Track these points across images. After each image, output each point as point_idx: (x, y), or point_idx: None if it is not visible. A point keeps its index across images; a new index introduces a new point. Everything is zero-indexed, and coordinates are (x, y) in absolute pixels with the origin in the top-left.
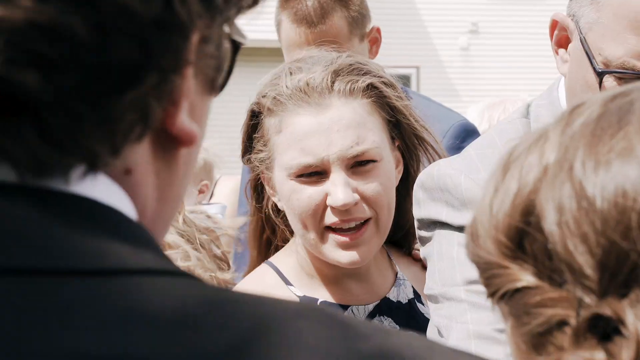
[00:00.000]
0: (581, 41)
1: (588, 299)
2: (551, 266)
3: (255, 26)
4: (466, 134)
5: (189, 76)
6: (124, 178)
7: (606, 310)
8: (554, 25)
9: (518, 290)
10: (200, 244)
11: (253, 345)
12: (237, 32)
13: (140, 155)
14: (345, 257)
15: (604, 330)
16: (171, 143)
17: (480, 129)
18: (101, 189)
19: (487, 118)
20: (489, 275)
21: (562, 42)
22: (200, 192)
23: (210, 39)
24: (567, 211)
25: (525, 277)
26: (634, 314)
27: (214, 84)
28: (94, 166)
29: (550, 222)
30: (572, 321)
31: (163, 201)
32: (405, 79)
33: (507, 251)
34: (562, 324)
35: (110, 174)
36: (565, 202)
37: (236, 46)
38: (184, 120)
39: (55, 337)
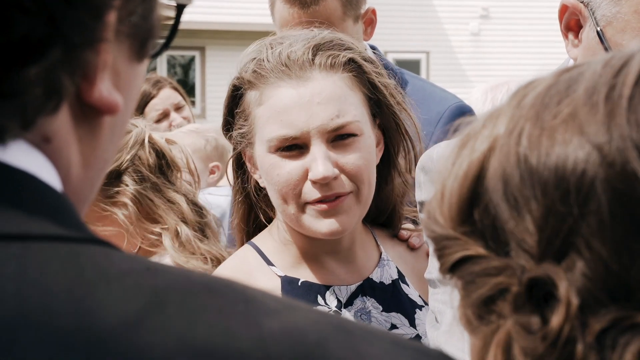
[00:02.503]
0: (598, 33)
1: (527, 265)
2: (497, 236)
3: (265, 10)
4: (462, 115)
5: (106, 51)
6: (44, 145)
7: (541, 274)
8: (564, 9)
9: (466, 260)
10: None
11: (149, 318)
12: None
13: (60, 124)
14: (324, 226)
15: (540, 295)
16: (93, 112)
17: (482, 110)
18: (16, 154)
19: (491, 99)
20: (441, 247)
21: (571, 26)
22: (211, 172)
23: (134, 13)
24: (511, 180)
25: (473, 247)
26: (567, 278)
27: (143, 52)
28: (3, 137)
29: (496, 192)
30: (514, 289)
31: (88, 166)
32: (415, 64)
33: (458, 223)
34: (504, 291)
35: (29, 141)
36: (510, 171)
37: (179, 9)
38: (102, 91)
39: None
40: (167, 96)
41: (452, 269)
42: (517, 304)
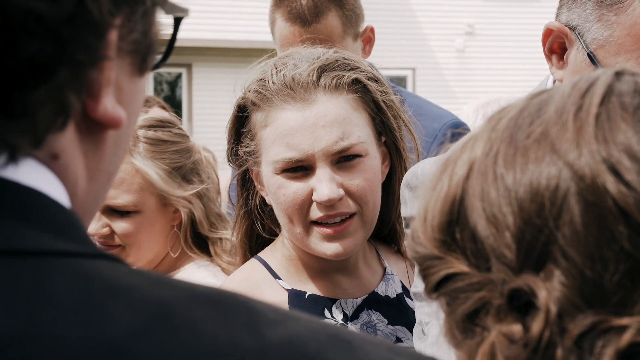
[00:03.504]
0: (589, 56)
1: (507, 278)
2: (478, 253)
3: (253, 27)
4: (458, 133)
5: (109, 68)
6: (52, 162)
7: (521, 284)
8: (549, 33)
9: (450, 278)
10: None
11: (155, 330)
12: (173, 9)
13: (66, 140)
14: (330, 249)
15: (521, 305)
16: (97, 127)
17: (474, 127)
18: (26, 172)
19: (482, 116)
20: (425, 267)
21: (554, 49)
22: None
23: (134, 30)
24: (489, 198)
25: (456, 265)
26: (545, 287)
27: (144, 67)
28: (14, 156)
29: (475, 211)
30: (496, 301)
31: (93, 179)
32: (401, 81)
33: (440, 243)
34: (487, 305)
35: (38, 159)
36: (488, 190)
37: (177, 22)
38: (107, 107)
39: None
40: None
41: (437, 287)
42: (500, 315)
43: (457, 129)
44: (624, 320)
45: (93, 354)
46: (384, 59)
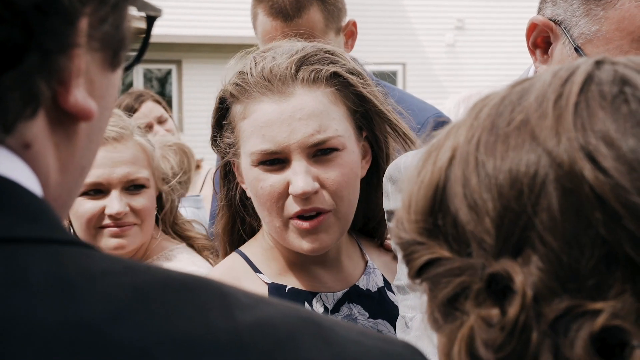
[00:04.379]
0: (577, 50)
1: (487, 263)
2: (459, 238)
3: (242, 23)
4: (441, 127)
5: (79, 57)
6: (24, 152)
7: (499, 269)
8: (533, 27)
9: (432, 263)
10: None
11: (131, 313)
12: (145, 7)
13: (38, 130)
14: (306, 244)
15: (499, 290)
16: (68, 118)
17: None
18: None
19: (463, 109)
20: (408, 252)
21: (538, 43)
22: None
23: (105, 21)
24: (470, 184)
25: (438, 250)
26: (522, 272)
27: (116, 61)
28: None
29: (457, 197)
30: (475, 286)
31: (65, 171)
32: (392, 76)
33: (423, 229)
34: (467, 289)
35: (10, 148)
36: (469, 176)
37: (150, 21)
38: (77, 97)
39: None
40: (150, 109)
41: (419, 272)
42: (479, 299)
43: (439, 123)
44: (598, 305)
45: (68, 337)
46: (374, 54)
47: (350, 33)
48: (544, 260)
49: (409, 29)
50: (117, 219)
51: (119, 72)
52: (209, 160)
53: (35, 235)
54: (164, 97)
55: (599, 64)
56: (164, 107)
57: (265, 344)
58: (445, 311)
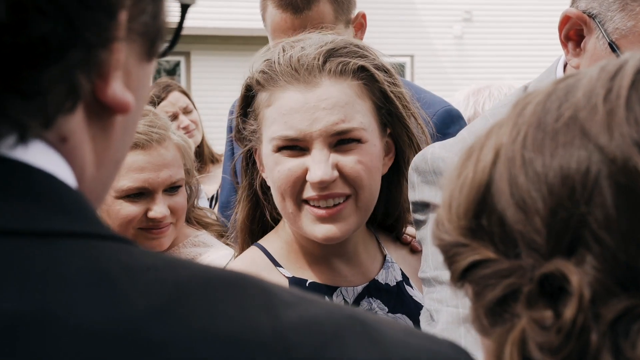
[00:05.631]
0: (610, 45)
1: (538, 263)
2: (506, 239)
3: (251, 15)
4: (451, 120)
5: (119, 50)
6: (61, 145)
7: (552, 269)
8: (566, 19)
9: (477, 265)
10: None
11: (172, 311)
12: None
13: (75, 123)
14: (321, 230)
15: (552, 291)
16: (105, 111)
17: (465, 115)
18: (36, 154)
19: (473, 103)
20: (451, 255)
21: (570, 36)
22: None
23: (144, 12)
24: (518, 183)
25: (483, 251)
26: (577, 271)
27: (152, 52)
28: (25, 136)
29: (503, 196)
30: (525, 288)
31: (101, 165)
32: (400, 68)
33: (467, 230)
34: (516, 292)
35: (47, 141)
36: (516, 174)
37: (184, 8)
38: (115, 90)
39: None
40: (177, 99)
41: (463, 274)
42: (530, 301)
43: (450, 117)
44: None
45: (110, 333)
46: (382, 46)
47: (359, 25)
48: (600, 259)
49: (417, 21)
50: (159, 222)
51: (154, 63)
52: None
53: (73, 229)
54: None
55: None
56: (189, 98)
57: (311, 343)
58: (493, 314)
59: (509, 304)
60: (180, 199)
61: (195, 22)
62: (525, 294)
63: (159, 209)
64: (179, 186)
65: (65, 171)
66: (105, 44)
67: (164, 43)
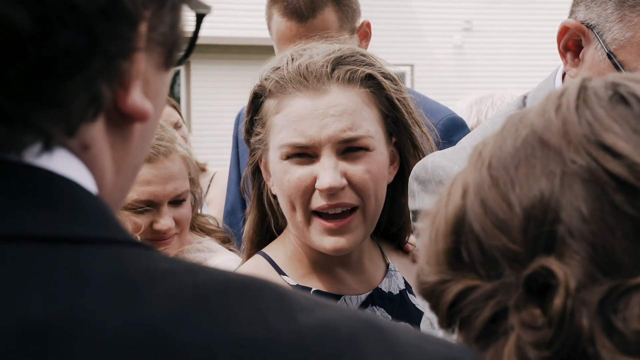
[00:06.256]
0: (609, 56)
1: (520, 272)
2: (486, 261)
3: (251, 24)
4: (455, 128)
5: (139, 60)
6: (83, 153)
7: (536, 267)
8: (565, 30)
9: (462, 296)
10: None
11: (192, 314)
12: (197, 5)
13: (97, 131)
14: (329, 243)
15: (538, 289)
16: (125, 119)
17: (468, 123)
18: (59, 162)
19: (476, 112)
20: (437, 294)
21: (569, 46)
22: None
23: (163, 22)
24: (488, 202)
25: (466, 281)
26: (560, 265)
27: (170, 61)
28: (49, 144)
29: (477, 219)
30: (511, 302)
31: (120, 171)
32: (400, 77)
33: (447, 266)
34: (504, 309)
35: (70, 149)
36: (485, 196)
37: (199, 18)
38: (135, 99)
39: (5, 302)
40: (168, 114)
41: (451, 308)
42: (519, 305)
43: (454, 125)
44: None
45: (132, 338)
46: (382, 56)
47: (364, 34)
48: (578, 250)
49: (417, 31)
50: (164, 233)
51: (171, 72)
52: (214, 162)
53: (96, 236)
54: (172, 98)
55: (588, 78)
56: (179, 113)
57: (328, 347)
58: (485, 337)
59: (499, 323)
60: (185, 210)
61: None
62: (514, 301)
63: (164, 221)
64: (184, 199)
65: (87, 178)
66: (126, 54)
67: (180, 52)
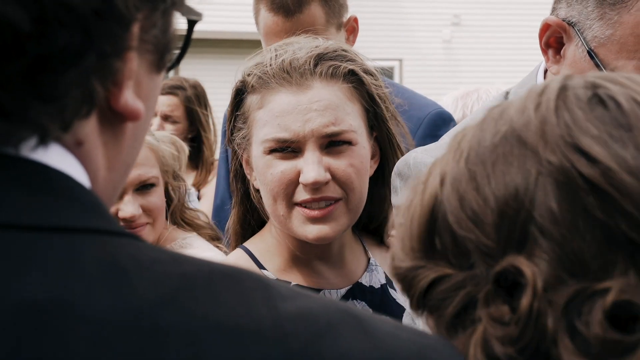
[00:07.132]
0: (589, 53)
1: (491, 268)
2: (459, 252)
3: (240, 18)
4: (442, 122)
5: (132, 60)
6: (77, 149)
7: (506, 265)
8: (546, 27)
9: (434, 284)
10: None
11: (178, 300)
12: (189, 12)
13: (90, 129)
14: (312, 231)
15: (507, 286)
16: (117, 118)
17: (454, 117)
18: (54, 156)
19: (461, 106)
20: (410, 280)
21: (550, 43)
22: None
23: (155, 25)
24: (464, 196)
25: (439, 269)
26: (529, 264)
27: (161, 64)
28: (45, 139)
29: (452, 211)
30: (481, 294)
31: (112, 168)
32: (388, 72)
33: (421, 254)
34: (474, 300)
35: (64, 145)
36: (462, 189)
37: (191, 24)
38: (128, 98)
39: (3, 285)
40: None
41: (423, 295)
42: (487, 300)
43: (441, 120)
44: (606, 284)
45: (120, 320)
46: (371, 50)
47: (351, 29)
48: (548, 251)
49: (405, 25)
50: (130, 222)
51: (163, 74)
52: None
53: (89, 226)
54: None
55: (568, 77)
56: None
57: (306, 333)
58: (454, 324)
59: (469, 312)
60: (155, 198)
61: (183, 25)
62: (483, 297)
63: (127, 208)
64: (152, 184)
65: (80, 173)
66: (119, 52)
67: (172, 56)
